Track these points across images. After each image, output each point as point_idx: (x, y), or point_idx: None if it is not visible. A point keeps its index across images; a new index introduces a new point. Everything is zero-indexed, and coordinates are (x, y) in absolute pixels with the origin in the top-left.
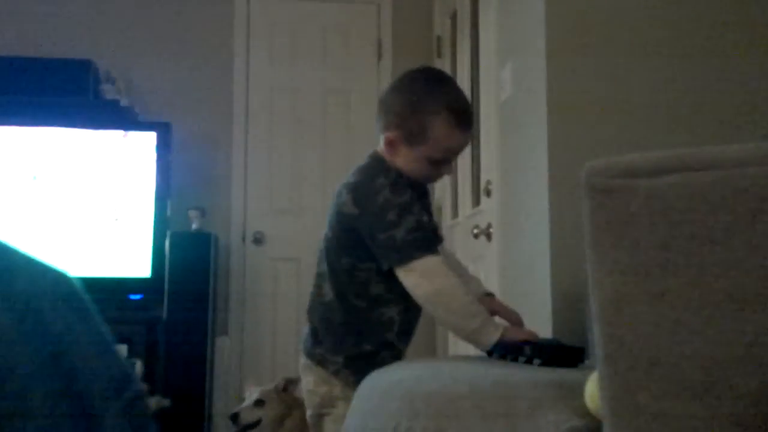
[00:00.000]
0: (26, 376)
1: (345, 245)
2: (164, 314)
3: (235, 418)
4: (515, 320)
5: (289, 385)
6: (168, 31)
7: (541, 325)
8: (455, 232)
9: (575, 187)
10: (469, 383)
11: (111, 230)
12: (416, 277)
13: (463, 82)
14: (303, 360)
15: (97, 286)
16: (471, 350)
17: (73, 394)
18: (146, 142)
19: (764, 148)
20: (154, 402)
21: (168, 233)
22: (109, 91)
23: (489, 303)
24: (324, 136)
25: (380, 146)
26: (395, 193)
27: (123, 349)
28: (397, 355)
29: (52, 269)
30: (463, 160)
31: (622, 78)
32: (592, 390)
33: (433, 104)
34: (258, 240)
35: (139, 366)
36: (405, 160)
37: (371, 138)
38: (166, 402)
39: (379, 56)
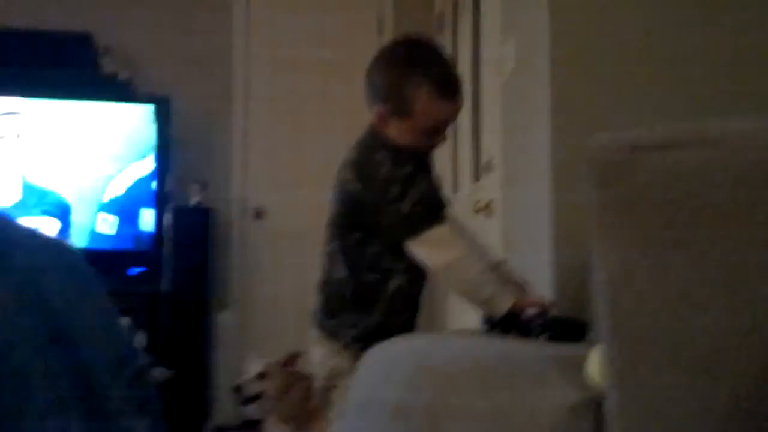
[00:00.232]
0: (27, 351)
1: (353, 221)
2: (166, 288)
3: (237, 389)
4: (525, 288)
5: (292, 358)
6: (167, 4)
7: None
8: (455, 208)
9: (579, 163)
10: (472, 357)
11: (113, 204)
12: (426, 249)
13: (465, 58)
14: (314, 332)
15: (97, 260)
16: (475, 323)
17: (75, 369)
18: (145, 115)
19: None
20: (156, 373)
21: (168, 207)
22: (108, 65)
23: (500, 272)
24: (325, 110)
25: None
26: (396, 165)
27: (126, 321)
28: (407, 326)
29: (54, 242)
30: (464, 135)
31: (627, 55)
32: (595, 364)
33: (415, 77)
34: (259, 214)
35: (141, 337)
36: (396, 132)
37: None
38: (168, 374)
39: (380, 32)
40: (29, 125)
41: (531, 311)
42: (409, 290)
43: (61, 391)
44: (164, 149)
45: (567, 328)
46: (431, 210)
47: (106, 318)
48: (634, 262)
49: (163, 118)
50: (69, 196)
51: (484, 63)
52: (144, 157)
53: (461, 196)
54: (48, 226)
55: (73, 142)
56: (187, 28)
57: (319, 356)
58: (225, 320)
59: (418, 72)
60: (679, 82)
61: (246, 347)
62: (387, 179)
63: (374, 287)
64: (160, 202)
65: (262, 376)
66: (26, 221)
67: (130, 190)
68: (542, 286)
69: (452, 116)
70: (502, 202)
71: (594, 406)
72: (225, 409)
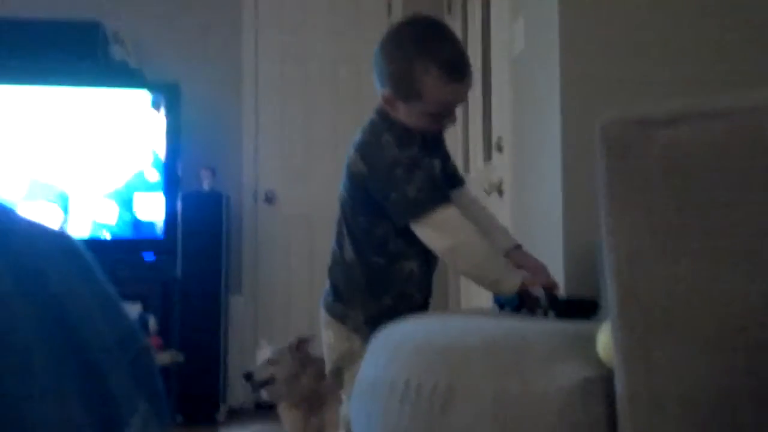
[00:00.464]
0: (28, 336)
1: (360, 204)
2: (178, 273)
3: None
4: (541, 271)
5: (302, 343)
6: None
7: None
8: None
9: (589, 142)
10: (481, 336)
11: (124, 191)
12: (432, 231)
13: (475, 37)
14: (324, 316)
15: (110, 247)
16: (484, 303)
17: (77, 352)
18: (155, 102)
19: None
20: (169, 356)
21: (180, 193)
22: (117, 52)
23: (515, 256)
24: (335, 94)
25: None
26: (402, 148)
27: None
28: (418, 308)
29: (52, 230)
30: (474, 115)
31: (637, 32)
32: (604, 340)
33: (423, 61)
34: (270, 198)
35: (153, 322)
36: (405, 115)
37: None
38: (181, 357)
39: (390, 14)
40: (39, 113)
41: (538, 291)
42: (423, 273)
43: (62, 375)
44: (174, 135)
45: (576, 305)
46: (436, 192)
47: (106, 302)
48: (644, 237)
49: (173, 105)
50: (78, 184)
51: (494, 41)
52: (154, 143)
53: (473, 175)
54: (50, 215)
55: (83, 129)
56: (196, 14)
57: (330, 340)
58: (237, 304)
59: (425, 55)
60: (688, 61)
61: (258, 330)
62: (392, 162)
63: (383, 270)
64: (171, 188)
65: (272, 361)
66: (28, 210)
67: (140, 176)
68: (553, 265)
69: (461, 98)
70: (512, 182)
71: (603, 385)
72: (238, 393)
